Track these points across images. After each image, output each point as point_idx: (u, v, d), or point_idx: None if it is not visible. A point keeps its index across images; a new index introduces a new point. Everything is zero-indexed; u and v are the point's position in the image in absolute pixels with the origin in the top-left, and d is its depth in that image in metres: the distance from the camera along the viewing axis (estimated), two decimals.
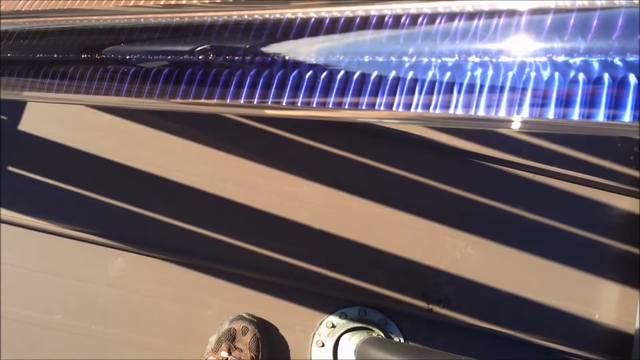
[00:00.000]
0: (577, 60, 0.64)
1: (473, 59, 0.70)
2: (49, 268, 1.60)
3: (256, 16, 0.83)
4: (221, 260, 1.62)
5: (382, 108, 0.72)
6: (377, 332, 1.58)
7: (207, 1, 0.90)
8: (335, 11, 0.78)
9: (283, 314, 1.60)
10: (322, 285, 1.61)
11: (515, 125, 0.66)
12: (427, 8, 0.73)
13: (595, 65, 0.63)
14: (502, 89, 0.66)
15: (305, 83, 0.77)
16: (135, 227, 1.63)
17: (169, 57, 0.85)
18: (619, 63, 0.62)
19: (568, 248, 1.67)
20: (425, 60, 0.72)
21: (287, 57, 0.80)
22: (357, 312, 1.62)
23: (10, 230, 1.61)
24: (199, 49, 0.83)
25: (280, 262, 1.64)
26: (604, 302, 1.66)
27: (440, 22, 0.72)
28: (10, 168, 1.67)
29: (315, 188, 1.68)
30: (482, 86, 0.67)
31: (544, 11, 0.66)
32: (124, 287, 1.60)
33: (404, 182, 1.70)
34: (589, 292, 1.66)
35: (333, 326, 1.59)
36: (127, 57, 0.88)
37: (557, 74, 0.65)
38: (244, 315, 1.56)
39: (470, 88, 0.68)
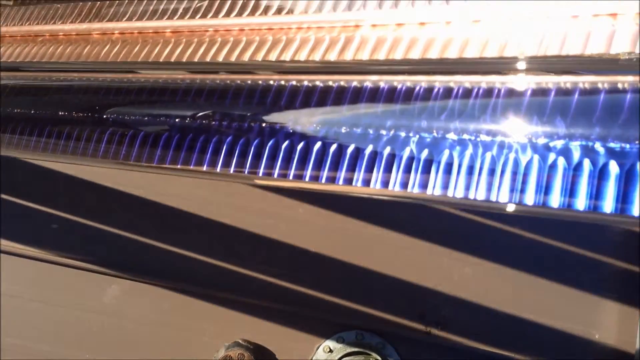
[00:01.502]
0: (558, 143, 0.62)
1: (451, 136, 0.67)
2: (40, 296, 1.59)
3: (238, 81, 0.81)
4: (216, 286, 1.61)
5: (359, 184, 0.70)
6: (375, 357, 1.57)
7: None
8: (317, 80, 0.76)
9: (280, 339, 1.58)
10: (319, 309, 1.60)
11: (495, 208, 0.64)
12: (408, 82, 0.70)
13: (576, 150, 0.61)
14: (480, 170, 0.64)
15: (281, 154, 0.75)
16: (129, 253, 1.62)
17: (170, 120, 0.83)
18: (600, 149, 0.60)
19: (567, 267, 1.64)
20: (403, 134, 0.69)
21: (263, 125, 0.78)
22: (354, 335, 1.60)
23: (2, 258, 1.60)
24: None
25: (276, 286, 1.63)
26: (604, 322, 1.64)
27: (418, 97, 0.69)
28: (2, 195, 1.67)
29: (311, 210, 1.66)
30: (460, 166, 0.65)
31: (521, 93, 0.64)
32: (118, 315, 1.60)
33: (400, 203, 1.68)
34: (588, 312, 1.64)
35: (330, 350, 1.58)
36: (128, 118, 0.86)
37: (536, 157, 0.62)
38: (240, 341, 1.55)
39: (449, 168, 0.66)
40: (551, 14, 0.66)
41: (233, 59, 0.84)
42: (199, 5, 0.89)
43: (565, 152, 0.60)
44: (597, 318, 1.65)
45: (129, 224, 1.63)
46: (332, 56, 0.77)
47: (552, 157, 0.60)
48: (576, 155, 0.59)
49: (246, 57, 0.84)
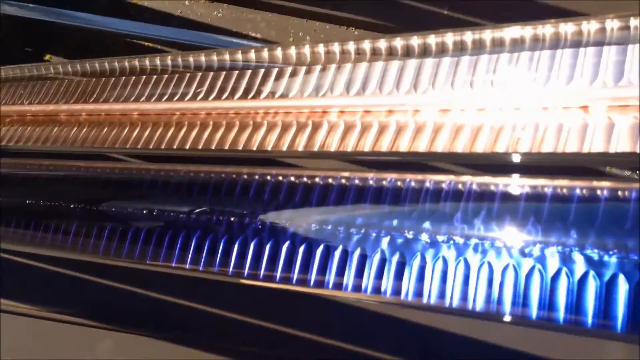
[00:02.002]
0: (534, 249, 0.58)
1: (424, 237, 0.63)
2: (28, 353, 1.55)
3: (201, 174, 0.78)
4: (212, 335, 1.57)
5: (329, 287, 0.66)
6: None
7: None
8: (290, 174, 0.73)
9: None
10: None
11: (473, 316, 0.60)
12: (373, 178, 0.66)
13: (553, 257, 0.57)
14: (455, 276, 0.60)
15: (251, 253, 0.71)
16: (122, 305, 1.58)
17: (165, 215, 0.80)
18: (579, 257, 0.56)
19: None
20: (374, 234, 0.66)
21: (232, 219, 0.74)
22: None
23: None
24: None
25: (279, 335, 1.58)
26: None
27: (389, 194, 0.66)
28: None
29: None
30: (433, 270, 0.61)
31: (492, 193, 0.60)
32: None
33: None
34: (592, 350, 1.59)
35: None
36: (123, 212, 0.83)
37: (512, 263, 0.58)
38: None
39: (422, 272, 0.62)
40: (523, 105, 0.62)
41: (200, 145, 0.81)
42: (163, 92, 0.86)
43: (542, 259, 0.56)
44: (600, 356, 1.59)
45: (120, 275, 1.59)
46: (300, 143, 0.74)
47: (528, 264, 0.56)
48: (553, 263, 0.55)
49: (214, 142, 0.80)
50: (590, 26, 0.60)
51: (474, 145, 0.63)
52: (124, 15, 1.82)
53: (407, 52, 0.70)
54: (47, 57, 1.98)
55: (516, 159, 0.62)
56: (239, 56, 0.81)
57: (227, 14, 1.80)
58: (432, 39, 0.67)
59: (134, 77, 0.93)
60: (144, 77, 0.92)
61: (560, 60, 0.62)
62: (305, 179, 0.70)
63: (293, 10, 1.65)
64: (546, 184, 0.59)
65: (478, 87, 0.65)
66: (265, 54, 0.79)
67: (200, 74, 0.88)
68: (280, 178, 0.72)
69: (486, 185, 0.61)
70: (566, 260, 0.56)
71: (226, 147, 0.79)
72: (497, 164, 0.64)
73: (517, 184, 0.61)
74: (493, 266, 0.59)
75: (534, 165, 0.63)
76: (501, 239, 0.60)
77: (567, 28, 0.61)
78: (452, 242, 0.62)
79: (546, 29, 0.62)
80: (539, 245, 0.58)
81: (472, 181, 0.61)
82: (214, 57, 0.82)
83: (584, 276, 0.55)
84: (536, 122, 0.62)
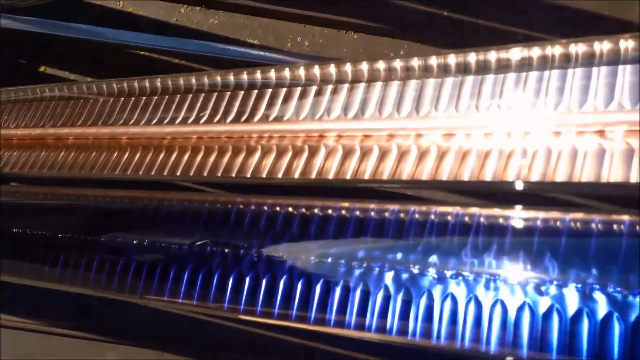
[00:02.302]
0: (551, 287, 0.53)
1: (432, 273, 0.59)
2: None
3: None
4: (216, 348, 1.52)
5: (331, 326, 0.62)
6: None
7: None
8: (287, 204, 0.68)
9: None
10: None
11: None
12: (382, 209, 0.62)
13: (573, 296, 0.52)
14: (465, 316, 0.56)
15: (246, 287, 0.67)
16: (123, 318, 1.54)
17: (157, 247, 0.76)
18: (601, 296, 0.51)
19: None
20: (377, 269, 0.61)
21: (226, 251, 0.70)
22: None
23: None
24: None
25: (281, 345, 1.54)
26: None
27: (391, 225, 0.61)
28: None
29: None
30: (442, 311, 0.57)
31: (503, 227, 0.55)
32: None
33: None
34: None
35: None
36: (112, 243, 0.79)
37: (527, 301, 0.54)
38: None
39: (429, 311, 0.57)
40: (532, 130, 0.58)
41: (191, 171, 0.76)
42: (152, 115, 0.81)
43: (560, 298, 0.51)
44: None
45: (122, 286, 1.54)
46: (296, 170, 0.69)
47: (544, 303, 0.52)
48: (573, 302, 0.51)
49: (206, 168, 0.76)
50: (602, 46, 0.56)
51: (482, 173, 0.59)
52: (119, 24, 1.77)
53: (407, 74, 0.66)
54: (42, 68, 1.94)
55: (526, 187, 0.58)
56: (231, 78, 0.76)
57: (224, 20, 1.75)
58: (434, 60, 0.62)
59: (122, 99, 0.88)
60: (133, 98, 0.88)
61: (572, 82, 0.57)
62: (303, 210, 0.66)
63: (290, 15, 1.61)
64: (561, 217, 0.54)
65: (484, 111, 0.60)
66: (258, 74, 0.75)
67: (190, 96, 0.83)
68: (277, 208, 0.67)
69: (496, 217, 0.57)
70: (586, 299, 0.52)
71: (219, 173, 0.75)
72: (509, 193, 0.59)
73: (530, 216, 0.56)
74: (507, 305, 0.54)
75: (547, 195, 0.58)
76: (514, 275, 0.55)
77: (577, 48, 0.57)
78: (461, 278, 0.57)
79: (555, 49, 0.57)
80: (556, 282, 0.53)
81: (481, 213, 0.57)
82: (205, 80, 0.78)
83: (607, 317, 0.51)
84: (548, 148, 0.57)
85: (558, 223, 0.54)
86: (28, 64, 1.98)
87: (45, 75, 1.97)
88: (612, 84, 0.56)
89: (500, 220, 0.57)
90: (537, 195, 0.59)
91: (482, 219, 0.57)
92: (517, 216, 0.56)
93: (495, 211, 0.57)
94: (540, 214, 0.55)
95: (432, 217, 0.59)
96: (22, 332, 1.53)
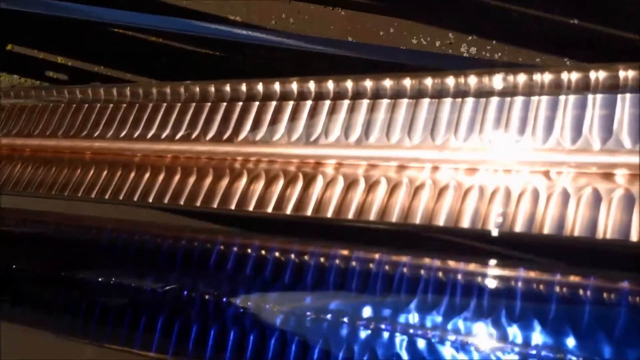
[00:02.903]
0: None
1: (451, 337, 0.49)
2: None
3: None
4: None
5: None
6: None
7: None
8: (276, 246, 0.57)
9: None
10: None
11: None
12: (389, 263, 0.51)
13: None
14: None
15: (230, 345, 0.56)
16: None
17: (125, 288, 0.65)
18: None
19: None
20: (386, 333, 0.51)
21: (206, 297, 0.59)
22: None
23: None
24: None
25: None
26: None
27: (404, 280, 0.51)
28: None
29: None
30: None
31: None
32: None
33: None
34: None
35: None
36: (73, 279, 0.68)
37: None
38: None
39: None
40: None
41: (166, 198, 0.65)
42: (121, 126, 0.70)
43: None
44: None
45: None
46: (289, 203, 0.58)
47: None
48: None
49: (183, 194, 0.65)
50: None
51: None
52: (92, 0, 1.65)
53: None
54: (9, 47, 1.82)
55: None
56: (211, 89, 0.65)
57: None
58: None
59: (86, 106, 0.76)
60: (98, 106, 0.76)
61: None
62: (293, 256, 0.55)
63: None
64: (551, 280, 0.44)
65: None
66: (243, 87, 0.63)
67: (165, 104, 0.71)
68: (263, 252, 0.56)
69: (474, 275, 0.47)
70: None
71: (198, 202, 0.64)
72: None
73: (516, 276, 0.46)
74: None
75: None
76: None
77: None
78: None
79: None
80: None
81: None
82: (181, 90, 0.66)
83: None
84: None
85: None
86: None
87: (12, 54, 1.83)
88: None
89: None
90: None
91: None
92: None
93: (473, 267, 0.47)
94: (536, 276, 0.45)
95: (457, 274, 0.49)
96: None
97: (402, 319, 0.52)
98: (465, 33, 1.29)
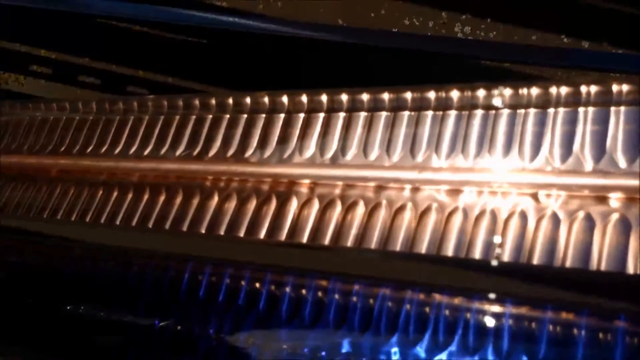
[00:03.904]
0: None
1: None
2: None
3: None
4: None
5: None
6: None
7: None
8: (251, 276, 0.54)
9: None
10: None
11: None
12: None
13: None
14: None
15: None
16: None
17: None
18: None
19: None
20: None
21: (178, 329, 0.56)
22: None
23: None
24: None
25: None
26: None
27: (384, 312, 0.47)
28: None
29: None
30: None
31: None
32: None
33: None
34: None
35: None
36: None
37: None
38: None
39: None
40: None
41: (134, 219, 0.61)
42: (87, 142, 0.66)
43: None
44: None
45: None
46: (262, 228, 0.54)
47: None
48: None
49: (152, 215, 0.61)
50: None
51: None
52: None
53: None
54: None
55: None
56: (180, 103, 0.60)
57: None
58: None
59: (51, 118, 0.72)
60: (64, 118, 0.72)
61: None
62: (270, 286, 0.51)
63: None
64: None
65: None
66: (213, 101, 0.59)
67: (132, 117, 0.67)
68: (242, 282, 0.52)
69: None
70: None
71: (167, 224, 0.60)
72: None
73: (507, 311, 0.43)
74: None
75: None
76: None
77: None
78: None
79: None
80: None
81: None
82: (149, 104, 0.62)
83: None
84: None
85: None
86: None
87: None
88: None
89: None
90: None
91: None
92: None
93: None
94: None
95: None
96: None
97: (384, 353, 0.48)
98: (459, 12, 1.24)
